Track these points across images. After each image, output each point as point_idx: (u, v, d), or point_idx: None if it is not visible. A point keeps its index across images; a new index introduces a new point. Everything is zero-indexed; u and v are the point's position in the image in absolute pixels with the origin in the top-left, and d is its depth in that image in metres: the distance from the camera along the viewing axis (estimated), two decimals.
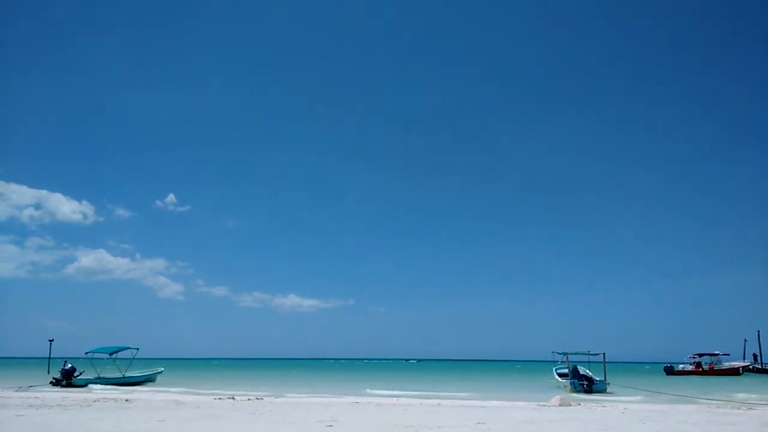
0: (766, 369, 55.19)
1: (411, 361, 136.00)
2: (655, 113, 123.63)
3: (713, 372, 50.41)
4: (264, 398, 19.71)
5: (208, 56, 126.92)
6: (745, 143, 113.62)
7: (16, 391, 22.84)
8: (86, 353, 30.56)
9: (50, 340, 38.35)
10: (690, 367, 52.65)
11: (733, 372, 50.55)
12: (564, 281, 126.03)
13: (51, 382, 28.05)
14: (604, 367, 27.91)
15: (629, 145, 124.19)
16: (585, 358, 30.33)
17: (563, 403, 17.14)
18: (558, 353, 31.39)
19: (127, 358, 32.53)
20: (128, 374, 31.53)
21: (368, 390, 27.53)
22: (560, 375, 31.03)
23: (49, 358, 37.49)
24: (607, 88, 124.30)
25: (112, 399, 17.98)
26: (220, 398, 19.15)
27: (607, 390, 26.92)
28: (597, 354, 29.00)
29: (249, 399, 18.99)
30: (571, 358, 30.70)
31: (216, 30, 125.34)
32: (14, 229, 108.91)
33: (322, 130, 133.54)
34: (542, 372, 48.59)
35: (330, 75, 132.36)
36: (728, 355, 54.10)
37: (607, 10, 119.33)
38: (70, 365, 28.47)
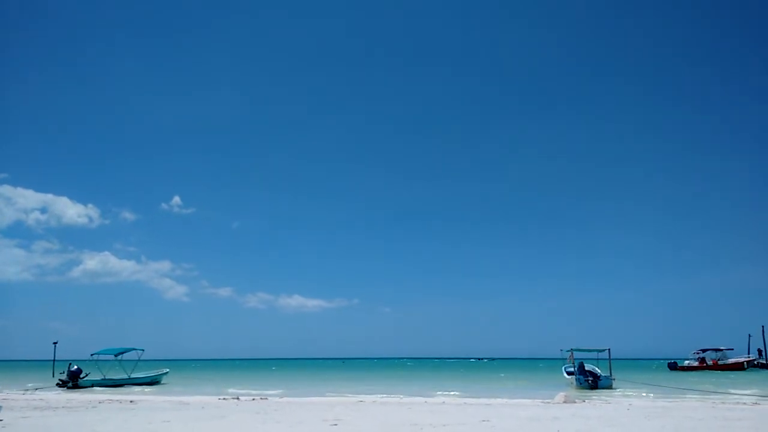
0: None
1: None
2: (658, 114, 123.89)
3: (717, 367, 50.27)
4: (268, 398, 19.75)
5: (212, 59, 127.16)
6: (746, 141, 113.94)
7: (22, 394, 22.91)
8: (92, 355, 30.67)
9: (54, 343, 38.42)
10: (694, 363, 52.52)
11: (738, 367, 50.40)
12: (572, 279, 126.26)
13: (57, 384, 28.10)
14: (609, 363, 27.96)
15: (633, 146, 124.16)
16: (591, 354, 30.26)
17: (568, 400, 17.15)
18: (566, 351, 31.32)
19: (133, 360, 32.64)
20: (133, 375, 31.60)
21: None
22: (569, 373, 31.01)
23: (54, 360, 37.53)
24: (609, 89, 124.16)
25: (117, 400, 18.03)
26: (224, 398, 19.19)
27: (613, 386, 26.93)
28: (603, 350, 28.97)
29: (253, 399, 19.03)
30: (577, 354, 30.65)
31: (220, 34, 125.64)
32: (21, 233, 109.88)
33: (325, 132, 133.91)
34: (550, 370, 48.52)
35: (332, 79, 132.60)
36: (732, 350, 53.99)
37: (604, 11, 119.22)
38: (76, 366, 28.48)
